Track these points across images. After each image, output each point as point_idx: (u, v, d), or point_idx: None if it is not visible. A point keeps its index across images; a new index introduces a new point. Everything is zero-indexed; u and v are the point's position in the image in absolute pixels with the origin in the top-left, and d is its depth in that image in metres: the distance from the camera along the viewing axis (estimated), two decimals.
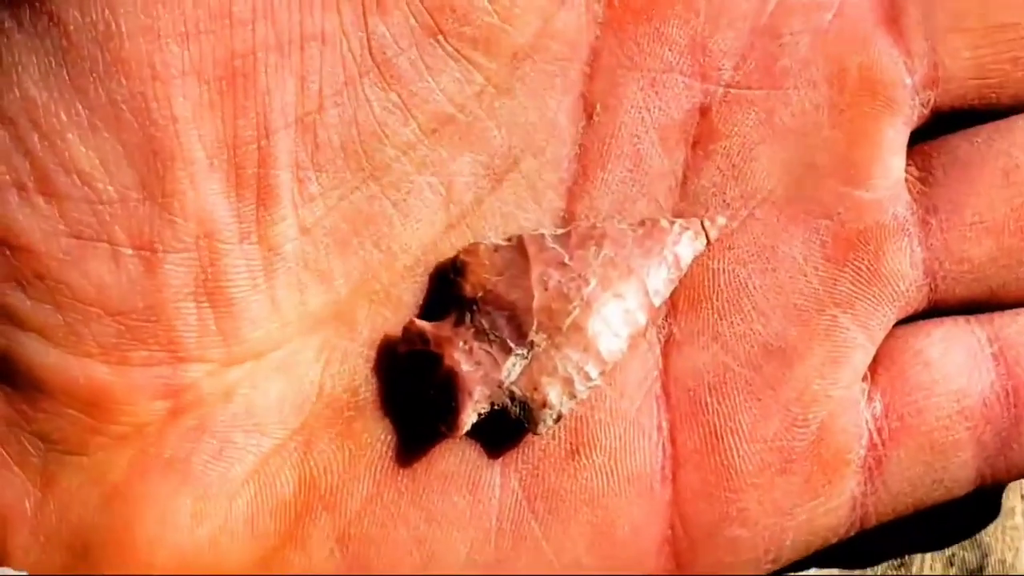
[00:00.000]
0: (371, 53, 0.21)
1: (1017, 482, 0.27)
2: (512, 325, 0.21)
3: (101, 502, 0.21)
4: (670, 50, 0.23)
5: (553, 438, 0.22)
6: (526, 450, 0.22)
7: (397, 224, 0.22)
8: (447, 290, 0.22)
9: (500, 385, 0.21)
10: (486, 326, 0.22)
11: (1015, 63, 0.23)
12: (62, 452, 0.21)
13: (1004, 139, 0.23)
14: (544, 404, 0.21)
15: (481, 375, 0.21)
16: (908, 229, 0.23)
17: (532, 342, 0.21)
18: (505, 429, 0.22)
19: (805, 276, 0.23)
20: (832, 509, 0.23)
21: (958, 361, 0.23)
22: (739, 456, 0.22)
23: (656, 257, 0.22)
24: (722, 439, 0.22)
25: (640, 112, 0.23)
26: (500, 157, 0.22)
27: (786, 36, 0.23)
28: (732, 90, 0.23)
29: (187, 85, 0.20)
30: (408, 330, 0.22)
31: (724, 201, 0.23)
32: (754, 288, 0.23)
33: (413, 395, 0.22)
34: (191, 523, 0.21)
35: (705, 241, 0.23)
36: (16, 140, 0.20)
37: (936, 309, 0.23)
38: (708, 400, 0.22)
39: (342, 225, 0.22)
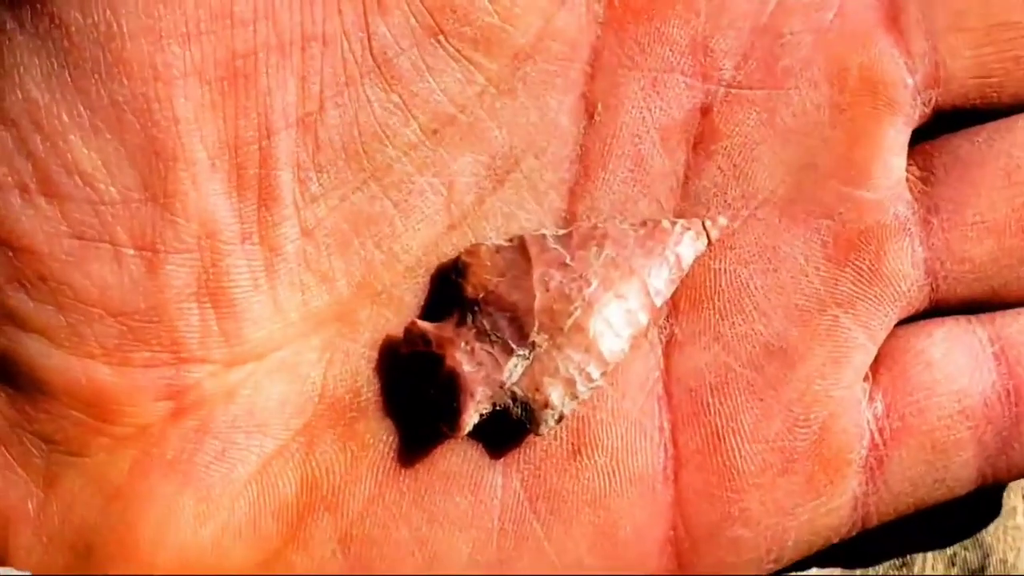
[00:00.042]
0: (372, 53, 0.21)
1: (1018, 482, 0.26)
2: (514, 326, 0.21)
3: (103, 503, 0.21)
4: (671, 50, 0.23)
5: (555, 439, 0.22)
6: (528, 451, 0.22)
7: (398, 225, 0.22)
8: (449, 291, 0.22)
9: (502, 386, 0.21)
10: (488, 327, 0.22)
11: (1016, 62, 0.23)
12: (64, 453, 0.21)
13: (1005, 139, 0.23)
14: (546, 405, 0.21)
15: (483, 376, 0.21)
16: (909, 229, 0.23)
17: (534, 343, 0.21)
18: (507, 430, 0.22)
19: (806, 276, 0.23)
20: (834, 509, 0.23)
21: (959, 361, 0.23)
22: (741, 456, 0.22)
23: (658, 257, 0.22)
24: (724, 439, 0.22)
25: (641, 112, 0.23)
26: (501, 157, 0.22)
27: (787, 36, 0.23)
28: (733, 90, 0.23)
29: (189, 86, 0.20)
30: (410, 331, 0.22)
31: (725, 201, 0.23)
32: (755, 288, 0.23)
33: (415, 396, 0.22)
34: (193, 524, 0.21)
35: (706, 241, 0.23)
36: (18, 141, 0.20)
37: (937, 309, 0.23)
38: (710, 400, 0.22)
39: (343, 226, 0.22)
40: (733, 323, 0.23)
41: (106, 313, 0.20)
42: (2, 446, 0.21)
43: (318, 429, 0.22)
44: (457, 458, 0.22)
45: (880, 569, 0.27)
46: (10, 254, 0.20)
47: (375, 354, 0.22)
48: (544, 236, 0.22)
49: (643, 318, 0.22)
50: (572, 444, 0.22)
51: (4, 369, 0.21)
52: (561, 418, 0.22)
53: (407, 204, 0.22)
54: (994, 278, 0.23)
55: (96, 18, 0.20)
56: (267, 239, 0.21)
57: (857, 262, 0.23)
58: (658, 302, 0.22)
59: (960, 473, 0.23)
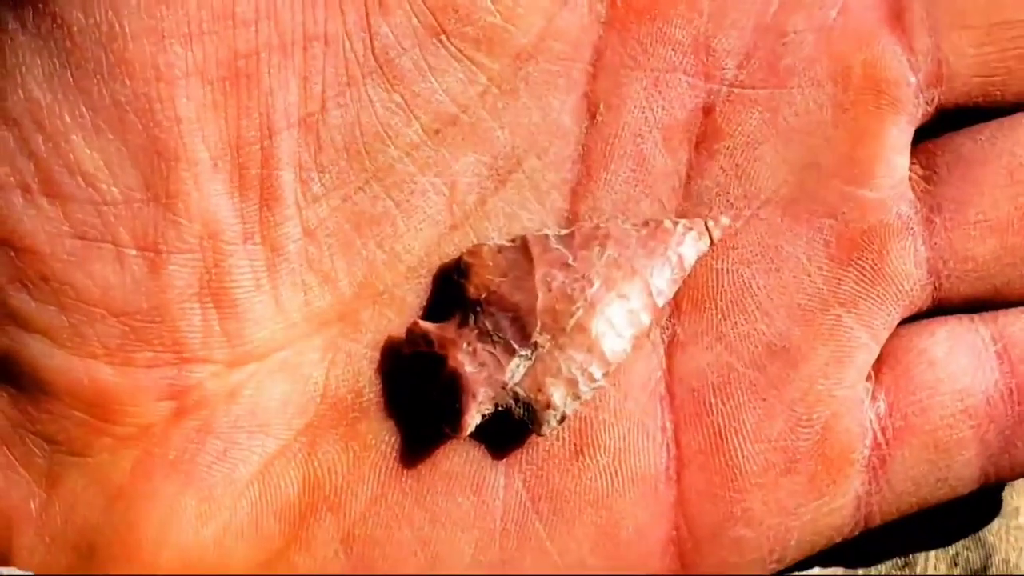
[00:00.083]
0: (374, 54, 0.21)
1: (1021, 481, 0.26)
2: (516, 326, 0.21)
3: (106, 503, 0.21)
4: (673, 49, 0.23)
5: (557, 439, 0.22)
6: (530, 451, 0.22)
7: (400, 225, 0.22)
8: (451, 291, 0.22)
9: (504, 386, 0.21)
10: (490, 327, 0.22)
11: (1019, 60, 0.23)
12: (67, 453, 0.21)
13: (1008, 137, 0.23)
14: (548, 405, 0.21)
15: (485, 376, 0.21)
16: (912, 228, 0.23)
17: (536, 343, 0.21)
18: (509, 430, 0.22)
19: (809, 276, 0.23)
20: (836, 509, 0.23)
21: (962, 360, 0.23)
22: (743, 456, 0.22)
23: (660, 257, 0.22)
24: (726, 439, 0.22)
25: (643, 112, 0.23)
26: (503, 157, 0.22)
27: (790, 35, 0.23)
28: (736, 89, 0.23)
29: (191, 86, 0.20)
30: (412, 331, 0.22)
31: (728, 201, 0.23)
32: (758, 288, 0.23)
33: (417, 396, 0.22)
34: (196, 524, 0.21)
35: (709, 241, 0.23)
36: (20, 141, 0.20)
37: (940, 308, 0.23)
38: (712, 400, 0.22)
39: (345, 226, 0.22)
40: (735, 323, 0.23)
41: (108, 313, 0.20)
42: (4, 446, 0.21)
43: (320, 429, 0.22)
44: (459, 458, 0.22)
45: (882, 569, 0.27)
46: (12, 254, 0.20)
47: (377, 354, 0.22)
48: (546, 236, 0.22)
49: (645, 318, 0.22)
50: (574, 444, 0.22)
51: (6, 369, 0.21)
52: (563, 418, 0.22)
53: (409, 204, 0.22)
54: (997, 277, 0.23)
55: (98, 18, 0.20)
56: (269, 239, 0.21)
57: (860, 261, 0.23)
58: (660, 302, 0.22)
59: (963, 472, 0.23)
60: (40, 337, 0.20)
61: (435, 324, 0.22)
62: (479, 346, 0.21)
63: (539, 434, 0.22)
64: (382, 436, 0.22)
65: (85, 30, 0.20)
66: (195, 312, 0.21)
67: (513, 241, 0.22)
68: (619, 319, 0.22)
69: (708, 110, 0.23)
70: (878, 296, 0.23)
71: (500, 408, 0.22)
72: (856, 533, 0.23)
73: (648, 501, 0.22)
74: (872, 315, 0.23)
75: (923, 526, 0.25)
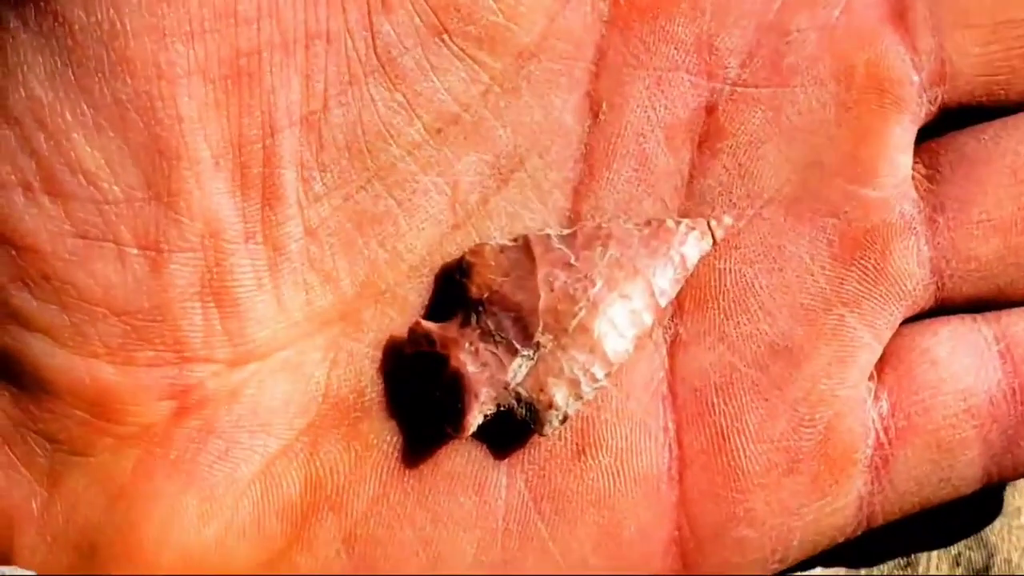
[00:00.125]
0: (376, 52, 0.21)
1: (1023, 480, 0.27)
2: (518, 326, 0.21)
3: (107, 502, 0.21)
4: (676, 48, 0.23)
5: (559, 439, 0.22)
6: (532, 451, 0.22)
7: (402, 224, 0.22)
8: (453, 291, 0.22)
9: (506, 386, 0.21)
10: (492, 327, 0.22)
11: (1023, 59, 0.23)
12: (68, 452, 0.21)
13: (1012, 136, 0.23)
14: (550, 405, 0.21)
15: (487, 376, 0.21)
16: (915, 227, 0.23)
17: (538, 343, 0.21)
18: (511, 430, 0.22)
19: (812, 275, 0.23)
20: (839, 509, 0.23)
21: (965, 360, 0.23)
22: (746, 456, 0.22)
23: (662, 257, 0.22)
24: (729, 439, 0.22)
25: (646, 111, 0.23)
26: (505, 157, 0.22)
27: (793, 33, 0.23)
28: (738, 88, 0.23)
29: (192, 84, 0.20)
30: (414, 331, 0.22)
31: (730, 200, 0.23)
32: (760, 288, 0.23)
33: (419, 396, 0.22)
34: (197, 523, 0.21)
35: (711, 241, 0.23)
36: (22, 140, 0.20)
37: (943, 307, 0.23)
38: (715, 400, 0.22)
39: (347, 225, 0.22)
40: (738, 323, 0.23)
41: (110, 312, 0.20)
42: (6, 445, 0.21)
43: (322, 429, 0.22)
44: (461, 458, 0.22)
45: (884, 569, 0.27)
46: (13, 253, 0.20)
47: (379, 354, 0.22)
48: (548, 236, 0.22)
49: (648, 318, 0.22)
50: (576, 444, 0.22)
51: (8, 368, 0.21)
52: (565, 418, 0.22)
53: (411, 203, 0.22)
54: (1000, 276, 0.23)
55: (100, 16, 0.20)
56: (271, 238, 0.21)
57: (863, 261, 0.23)
58: (663, 302, 0.22)
59: (965, 472, 0.23)
60: (41, 336, 0.20)
61: (437, 324, 0.22)
62: (481, 346, 0.21)
63: (541, 434, 0.22)
64: (384, 436, 0.22)
65: (86, 28, 0.20)
66: (196, 311, 0.21)
67: (515, 241, 0.22)
68: (621, 319, 0.22)
69: (711, 109, 0.23)
70: (881, 296, 0.23)
71: (502, 408, 0.22)
72: (858, 533, 0.23)
73: (650, 501, 0.22)
74: (875, 315, 0.23)
75: (925, 526, 0.25)
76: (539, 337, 0.21)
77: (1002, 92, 0.23)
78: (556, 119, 0.22)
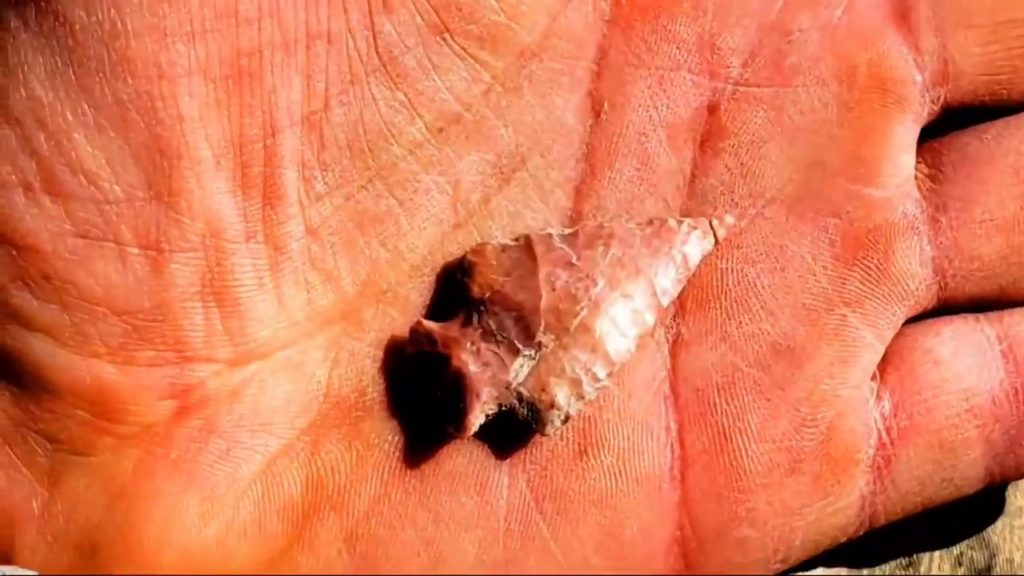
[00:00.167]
0: (377, 52, 0.21)
1: None
2: (520, 326, 0.21)
3: (108, 502, 0.21)
4: (678, 48, 0.23)
5: (561, 439, 0.22)
6: (534, 451, 0.22)
7: (404, 223, 0.22)
8: (454, 290, 0.22)
9: (508, 386, 0.21)
10: (493, 327, 0.22)
11: None
12: (69, 452, 0.21)
13: (1014, 136, 0.23)
14: (552, 405, 0.21)
15: (489, 376, 0.21)
16: (918, 227, 0.23)
17: (540, 343, 0.21)
18: (513, 430, 0.22)
19: (814, 275, 0.23)
20: (841, 509, 0.23)
21: (967, 359, 0.23)
22: (748, 456, 0.22)
23: (664, 257, 0.22)
24: (731, 439, 0.22)
25: (648, 110, 0.23)
26: (507, 156, 0.22)
27: (795, 33, 0.23)
28: (740, 88, 0.23)
29: (193, 84, 0.20)
30: (415, 331, 0.22)
31: (732, 200, 0.23)
32: (762, 287, 0.23)
33: (421, 396, 0.22)
34: (198, 523, 0.21)
35: (713, 240, 0.23)
36: (22, 140, 0.20)
37: (945, 307, 0.23)
38: (717, 400, 0.22)
39: (348, 224, 0.22)
40: (740, 322, 0.23)
41: (110, 312, 0.20)
42: (7, 445, 0.21)
43: (323, 428, 0.22)
44: (463, 458, 0.22)
45: (886, 569, 0.27)
46: (14, 253, 0.20)
47: (380, 353, 0.22)
48: (550, 235, 0.22)
49: (649, 318, 0.22)
50: (578, 444, 0.22)
51: (9, 368, 0.21)
52: (567, 418, 0.22)
53: (412, 203, 0.22)
54: (1002, 276, 0.23)
55: (100, 16, 0.20)
56: (272, 238, 0.21)
57: (865, 261, 0.23)
58: (665, 302, 0.22)
59: (968, 472, 0.23)
60: (42, 336, 0.20)
61: (439, 323, 0.22)
62: (483, 345, 0.21)
63: (543, 434, 0.22)
64: (385, 435, 0.22)
65: (87, 28, 0.20)
66: (197, 311, 0.21)
67: (517, 240, 0.22)
68: (623, 319, 0.22)
69: (713, 108, 0.23)
70: (883, 296, 0.23)
71: (504, 408, 0.22)
72: (860, 533, 0.23)
73: (652, 501, 0.22)
74: (877, 315, 0.23)
75: (927, 526, 0.25)
76: (541, 337, 0.21)
77: (1004, 92, 0.23)
78: (558, 118, 0.22)
